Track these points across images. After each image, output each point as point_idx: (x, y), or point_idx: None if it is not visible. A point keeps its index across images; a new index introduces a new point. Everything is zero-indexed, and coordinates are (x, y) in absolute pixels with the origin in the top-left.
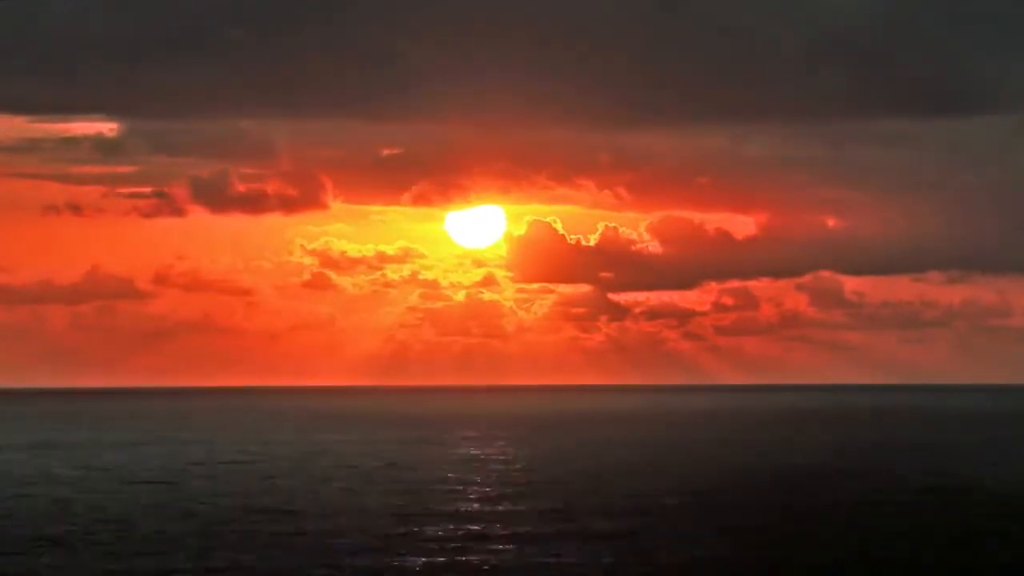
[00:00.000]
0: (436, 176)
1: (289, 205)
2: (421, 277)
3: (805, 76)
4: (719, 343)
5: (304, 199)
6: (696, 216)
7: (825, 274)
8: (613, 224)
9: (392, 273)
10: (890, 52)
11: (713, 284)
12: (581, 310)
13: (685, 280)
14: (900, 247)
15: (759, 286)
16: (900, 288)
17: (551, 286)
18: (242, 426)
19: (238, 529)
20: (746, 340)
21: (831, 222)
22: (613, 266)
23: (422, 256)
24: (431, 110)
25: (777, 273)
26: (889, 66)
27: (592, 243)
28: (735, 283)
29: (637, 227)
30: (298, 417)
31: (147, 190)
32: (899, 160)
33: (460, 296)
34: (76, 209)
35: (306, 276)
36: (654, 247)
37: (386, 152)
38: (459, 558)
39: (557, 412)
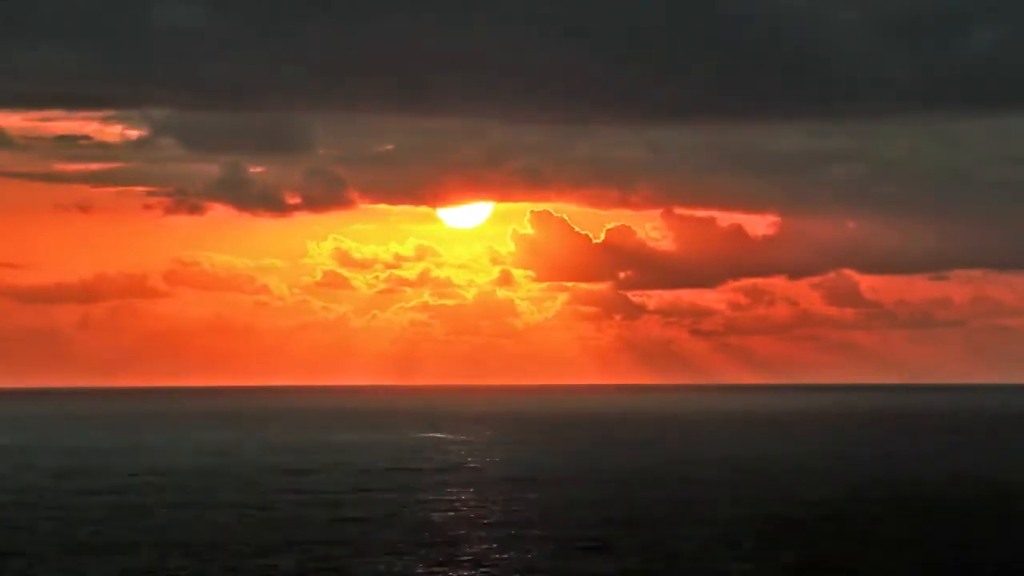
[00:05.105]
0: (452, 175)
1: (309, 204)
2: (435, 275)
3: (831, 71)
4: (740, 342)
5: (325, 198)
6: (716, 214)
7: (847, 272)
8: (631, 223)
9: (407, 272)
10: (921, 47)
11: (733, 283)
12: (598, 309)
13: (705, 279)
14: (922, 246)
15: (778, 284)
16: (917, 287)
17: (568, 284)
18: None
19: None
20: (764, 339)
21: (853, 220)
22: (631, 265)
23: (437, 254)
24: (450, 109)
25: (797, 271)
26: (920, 61)
27: (610, 241)
28: (755, 281)
29: (657, 226)
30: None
31: (165, 188)
32: (928, 157)
33: (476, 295)
34: (91, 208)
35: (318, 275)
36: (673, 245)
37: (400, 151)
38: None
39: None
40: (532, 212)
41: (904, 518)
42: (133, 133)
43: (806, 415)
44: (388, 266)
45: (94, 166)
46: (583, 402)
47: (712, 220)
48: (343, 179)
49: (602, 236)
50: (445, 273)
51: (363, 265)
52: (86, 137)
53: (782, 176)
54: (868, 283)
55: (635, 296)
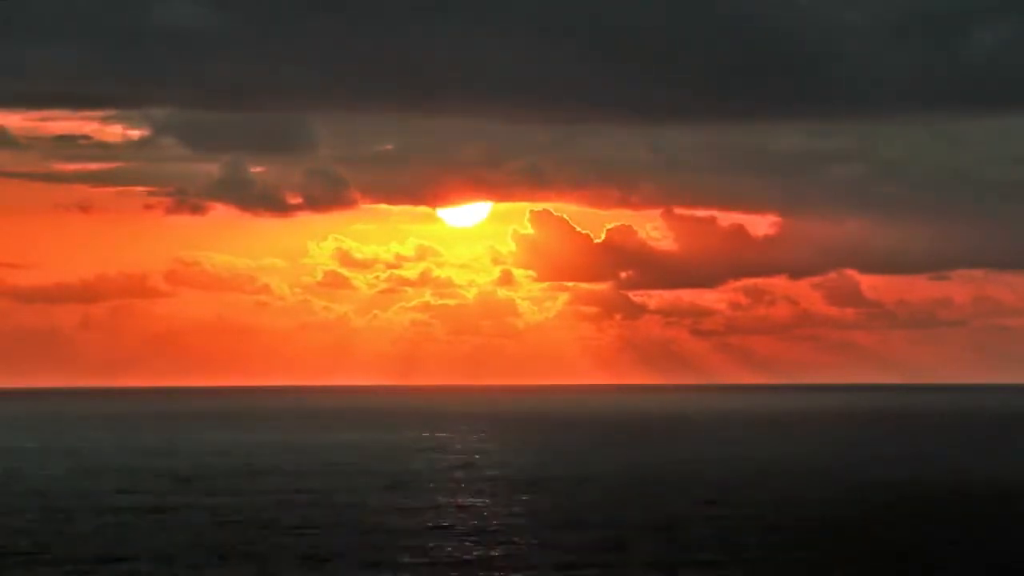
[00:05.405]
0: (453, 175)
1: (310, 204)
2: (436, 275)
3: (831, 71)
4: (741, 342)
5: (326, 198)
6: (716, 214)
7: (848, 272)
8: (632, 222)
9: (408, 272)
10: (921, 47)
11: (733, 283)
12: (599, 309)
13: (705, 279)
14: (923, 246)
15: (779, 284)
16: (918, 287)
17: (569, 284)
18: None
19: None
20: (765, 339)
21: (854, 220)
22: (632, 264)
23: (437, 254)
24: (451, 109)
25: (798, 271)
26: (920, 61)
27: (611, 241)
28: (756, 281)
29: (657, 225)
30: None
31: (166, 188)
32: (929, 157)
33: (477, 295)
34: (91, 208)
35: (319, 275)
36: (673, 245)
37: (401, 151)
38: None
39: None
40: (532, 212)
41: (904, 518)
42: (134, 133)
43: (806, 415)
44: (389, 266)
45: (94, 166)
46: (583, 402)
47: (713, 220)
48: (344, 179)
49: (602, 236)
50: (446, 273)
51: (364, 265)
52: (86, 137)
53: (783, 176)
54: (869, 283)
55: (636, 296)
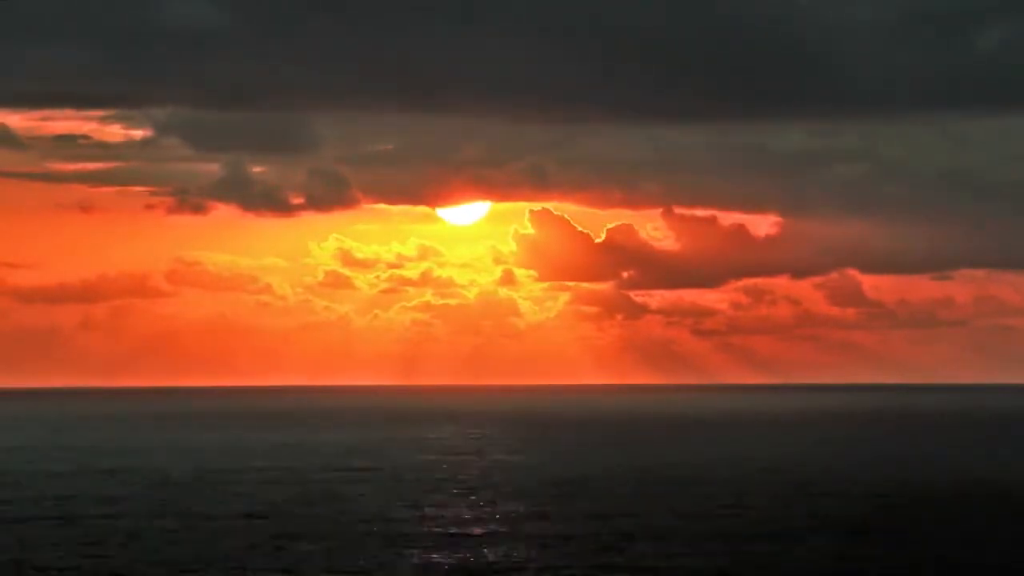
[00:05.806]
0: (454, 174)
1: (312, 203)
2: (437, 275)
3: (832, 70)
4: (742, 342)
5: (327, 197)
6: (717, 214)
7: (850, 272)
8: (632, 222)
9: (409, 271)
10: (923, 46)
11: (735, 283)
12: (600, 308)
13: (707, 279)
14: (925, 246)
15: (780, 284)
16: (920, 287)
17: (570, 284)
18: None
19: None
20: (766, 339)
21: (856, 220)
22: (633, 264)
23: (439, 254)
24: (452, 109)
25: (800, 271)
26: (922, 61)
27: (612, 241)
28: (757, 281)
29: (658, 225)
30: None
31: (167, 188)
32: (931, 156)
33: (478, 295)
34: (92, 207)
35: (321, 275)
36: (675, 245)
37: (402, 151)
38: None
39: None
40: (533, 212)
41: (904, 518)
42: (134, 133)
43: (807, 415)
44: (390, 266)
45: (94, 166)
46: (584, 402)
47: (714, 219)
48: (346, 179)
49: (603, 236)
50: (447, 273)
51: (365, 265)
52: (86, 137)
53: (783, 176)
54: (871, 283)
55: (637, 296)
